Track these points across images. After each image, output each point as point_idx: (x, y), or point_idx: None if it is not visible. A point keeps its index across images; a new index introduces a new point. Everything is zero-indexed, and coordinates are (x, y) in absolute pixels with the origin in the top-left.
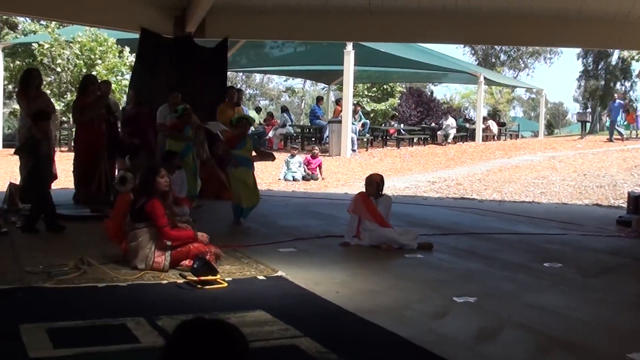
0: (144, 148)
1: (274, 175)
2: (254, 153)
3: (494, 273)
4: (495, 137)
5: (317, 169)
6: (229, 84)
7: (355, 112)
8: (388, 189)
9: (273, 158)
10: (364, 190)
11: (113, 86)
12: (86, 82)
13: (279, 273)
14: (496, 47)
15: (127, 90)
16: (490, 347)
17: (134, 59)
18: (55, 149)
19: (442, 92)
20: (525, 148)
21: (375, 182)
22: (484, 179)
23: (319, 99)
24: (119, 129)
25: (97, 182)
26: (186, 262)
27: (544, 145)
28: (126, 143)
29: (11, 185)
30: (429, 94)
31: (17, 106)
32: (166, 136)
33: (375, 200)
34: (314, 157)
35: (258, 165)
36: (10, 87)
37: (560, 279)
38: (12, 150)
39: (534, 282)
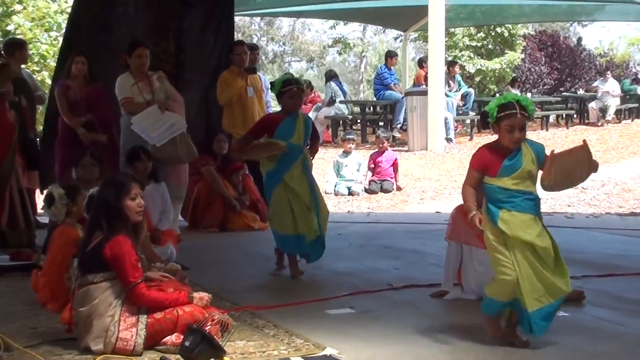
0: (110, 151)
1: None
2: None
3: None
4: None
5: (391, 172)
6: (237, 37)
7: (450, 75)
8: None
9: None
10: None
11: (45, 47)
12: None
13: (327, 351)
14: None
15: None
16: None
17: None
18: None
19: (594, 37)
20: None
21: None
22: None
23: (390, 56)
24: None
25: (7, 212)
26: (172, 339)
27: None
28: (85, 143)
29: None
30: (574, 41)
31: None
32: (249, 153)
33: None
34: (381, 151)
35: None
36: None
37: None
38: None
39: None
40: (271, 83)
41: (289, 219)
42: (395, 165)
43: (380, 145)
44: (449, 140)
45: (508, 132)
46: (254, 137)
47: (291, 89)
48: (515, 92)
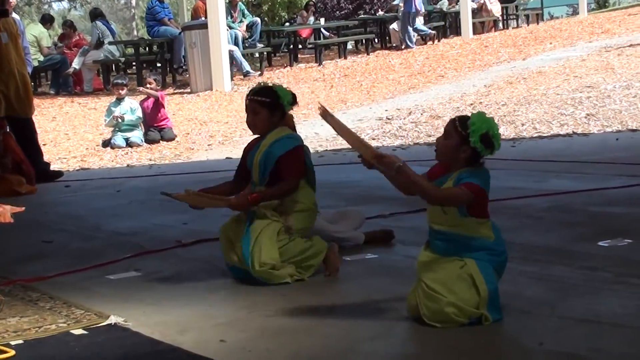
0: None
1: (91, 140)
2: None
3: (507, 269)
4: (499, 24)
5: (165, 115)
6: None
7: (232, 4)
8: (307, 140)
9: None
10: None
11: None
12: None
13: (112, 319)
14: None
15: None
16: None
17: None
18: None
19: None
20: (554, 38)
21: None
22: (481, 102)
23: None
24: None
25: None
26: None
27: (588, 29)
28: None
29: None
30: None
31: None
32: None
33: None
34: (149, 96)
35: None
36: None
37: (629, 267)
38: None
39: (582, 277)
40: None
41: None
42: (161, 102)
43: (147, 86)
44: (246, 74)
45: None
46: (237, 175)
47: (246, 102)
48: (311, 19)
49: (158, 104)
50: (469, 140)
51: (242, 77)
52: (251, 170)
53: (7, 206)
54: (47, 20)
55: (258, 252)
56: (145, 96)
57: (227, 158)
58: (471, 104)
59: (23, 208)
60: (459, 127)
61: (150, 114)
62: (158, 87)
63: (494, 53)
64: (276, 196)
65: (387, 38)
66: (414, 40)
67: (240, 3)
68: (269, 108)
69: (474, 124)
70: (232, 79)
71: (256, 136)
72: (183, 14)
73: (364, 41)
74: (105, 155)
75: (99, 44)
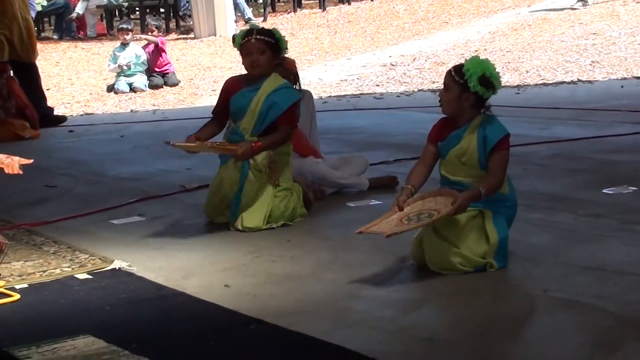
0: None
1: (94, 85)
2: None
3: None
4: None
5: (166, 59)
6: None
7: None
8: (310, 86)
9: None
10: None
11: None
12: None
13: (116, 264)
14: None
15: None
16: (518, 346)
17: None
18: None
19: None
20: None
21: (291, 72)
22: (485, 48)
23: None
24: None
25: None
26: None
27: None
28: None
29: None
30: None
31: None
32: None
33: None
34: (149, 42)
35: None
36: None
37: (634, 214)
38: None
39: (586, 225)
40: (233, 38)
41: None
42: (161, 48)
43: (150, 32)
44: (248, 20)
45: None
46: (217, 114)
47: (247, 42)
48: None
49: (158, 50)
50: (468, 86)
51: (244, 22)
52: (239, 114)
53: (16, 157)
54: None
55: (245, 214)
56: (146, 42)
57: None
58: (475, 51)
59: (32, 160)
60: (456, 76)
61: (151, 59)
62: (160, 34)
63: (498, 0)
64: (275, 145)
65: None
66: None
67: None
68: (273, 49)
69: (468, 70)
70: (235, 25)
71: (234, 75)
72: None
73: None
74: (109, 101)
75: None
